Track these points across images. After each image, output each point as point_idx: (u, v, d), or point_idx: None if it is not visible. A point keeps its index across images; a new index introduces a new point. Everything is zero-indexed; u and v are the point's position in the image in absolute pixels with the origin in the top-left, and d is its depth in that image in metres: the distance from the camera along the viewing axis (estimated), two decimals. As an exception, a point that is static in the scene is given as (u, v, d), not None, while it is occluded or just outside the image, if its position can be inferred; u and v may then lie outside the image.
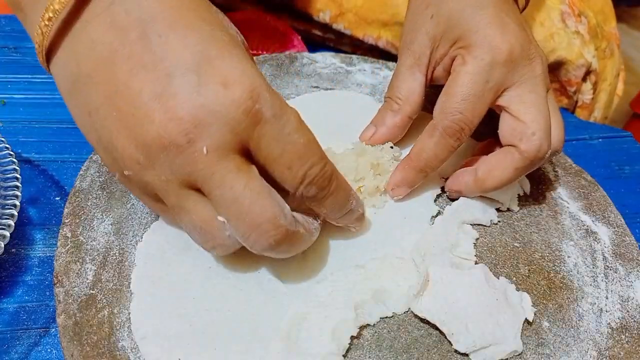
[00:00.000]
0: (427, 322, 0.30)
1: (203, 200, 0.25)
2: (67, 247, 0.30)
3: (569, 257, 0.35)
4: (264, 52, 0.51)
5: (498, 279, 0.32)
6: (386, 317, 0.30)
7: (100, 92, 0.25)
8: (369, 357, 0.28)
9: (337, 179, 0.28)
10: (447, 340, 0.29)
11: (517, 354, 0.29)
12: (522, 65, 0.33)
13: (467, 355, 0.29)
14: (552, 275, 0.34)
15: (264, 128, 0.24)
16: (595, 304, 0.33)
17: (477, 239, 0.34)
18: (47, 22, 0.25)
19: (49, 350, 0.29)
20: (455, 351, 0.29)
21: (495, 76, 0.33)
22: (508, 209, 0.37)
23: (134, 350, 0.27)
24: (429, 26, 0.36)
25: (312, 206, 0.28)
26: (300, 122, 0.26)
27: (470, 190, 0.35)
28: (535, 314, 0.31)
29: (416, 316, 0.30)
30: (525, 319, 0.30)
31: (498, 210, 0.37)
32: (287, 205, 0.26)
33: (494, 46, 0.33)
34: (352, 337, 0.28)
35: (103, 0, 0.25)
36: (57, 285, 0.29)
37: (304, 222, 0.28)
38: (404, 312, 0.30)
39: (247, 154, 0.25)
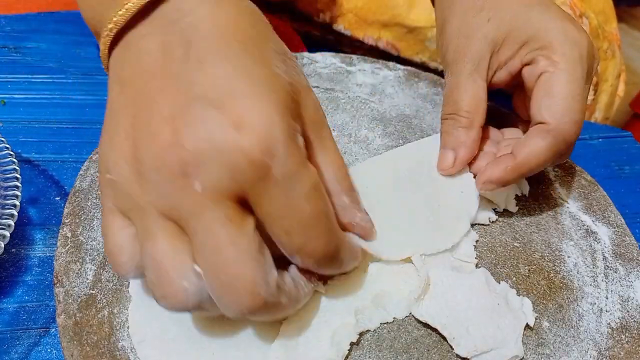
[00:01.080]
0: (428, 324, 0.30)
1: (179, 237, 0.23)
2: (67, 247, 0.30)
3: (569, 257, 0.35)
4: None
5: (499, 283, 0.32)
6: (386, 323, 0.30)
7: (129, 96, 0.24)
8: (369, 357, 0.28)
9: (344, 254, 0.25)
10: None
11: (519, 359, 0.29)
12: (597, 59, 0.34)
13: (468, 359, 0.29)
14: (552, 275, 0.34)
15: (269, 186, 0.22)
16: (595, 304, 0.33)
17: (477, 241, 0.34)
18: (108, 32, 0.25)
19: (49, 350, 0.29)
20: (457, 355, 0.29)
21: (586, 70, 0.33)
22: (505, 210, 0.37)
23: (133, 350, 0.27)
24: (486, 30, 0.35)
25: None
26: (316, 187, 0.23)
27: (510, 176, 0.33)
28: (535, 314, 0.31)
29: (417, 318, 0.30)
30: (526, 323, 0.30)
31: (495, 211, 0.37)
32: (274, 271, 0.23)
33: (576, 41, 0.33)
34: (352, 343, 0.28)
35: (165, 18, 0.24)
36: (57, 285, 0.29)
37: (290, 289, 0.25)
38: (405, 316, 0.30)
39: (246, 203, 0.23)
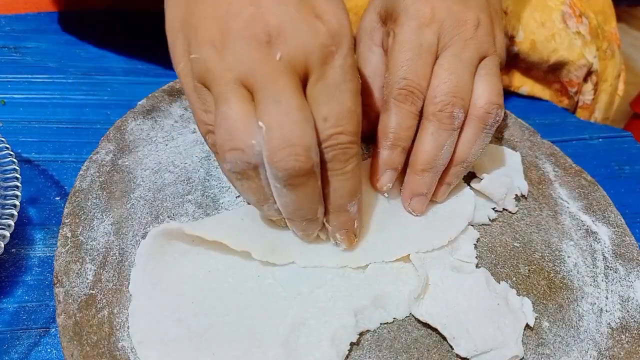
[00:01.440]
0: (428, 324, 0.30)
1: (248, 101, 0.26)
2: (67, 247, 0.30)
3: (569, 257, 0.35)
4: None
5: (499, 283, 0.32)
6: (386, 323, 0.30)
7: None
8: (369, 357, 0.28)
9: (354, 170, 0.28)
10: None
11: (519, 359, 0.29)
12: (451, 27, 0.33)
13: (467, 359, 0.29)
14: (552, 275, 0.34)
15: (328, 71, 0.26)
16: (595, 304, 0.33)
17: (477, 240, 0.34)
18: None
19: (49, 350, 0.29)
20: (457, 355, 0.29)
21: (426, 38, 0.33)
22: (505, 209, 0.37)
23: (133, 350, 0.27)
24: (377, 3, 0.37)
25: (323, 176, 0.28)
26: (358, 92, 0.27)
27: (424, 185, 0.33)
28: (535, 314, 0.31)
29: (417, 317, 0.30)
30: (527, 323, 0.30)
31: (495, 210, 0.36)
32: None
33: (417, 11, 0.33)
34: (352, 344, 0.28)
35: None
36: (57, 285, 0.29)
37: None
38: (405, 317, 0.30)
39: (305, 85, 0.27)
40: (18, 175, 0.31)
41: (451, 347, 0.29)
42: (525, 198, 0.38)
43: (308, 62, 0.26)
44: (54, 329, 0.30)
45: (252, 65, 0.25)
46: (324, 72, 0.26)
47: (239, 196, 0.34)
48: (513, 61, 0.53)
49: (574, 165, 0.42)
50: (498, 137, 0.43)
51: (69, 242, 0.31)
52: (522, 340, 0.30)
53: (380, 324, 0.30)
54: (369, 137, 0.36)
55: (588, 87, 0.55)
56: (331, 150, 0.27)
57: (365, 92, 0.36)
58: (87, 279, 0.29)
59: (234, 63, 0.25)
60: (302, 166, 0.25)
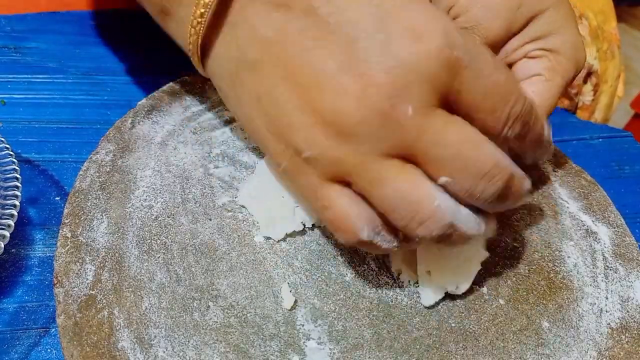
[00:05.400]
0: (427, 323, 0.30)
1: (407, 167, 0.23)
2: (67, 248, 0.30)
3: (568, 257, 0.35)
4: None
5: (499, 281, 0.32)
6: (383, 314, 0.30)
7: (272, 74, 0.24)
8: (369, 357, 0.28)
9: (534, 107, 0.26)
10: (447, 340, 0.29)
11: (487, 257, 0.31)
12: None
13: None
14: (552, 275, 0.34)
15: (464, 75, 0.23)
16: (595, 304, 0.33)
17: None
18: (199, 19, 0.25)
19: (49, 350, 0.29)
20: (456, 352, 0.29)
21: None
22: None
23: (133, 350, 0.27)
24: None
25: (514, 147, 0.27)
26: (494, 57, 0.24)
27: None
28: (535, 314, 0.31)
29: (416, 316, 0.30)
30: None
31: None
32: None
33: (578, 52, 0.32)
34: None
35: None
36: (57, 285, 0.29)
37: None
38: (404, 313, 0.30)
39: (448, 107, 0.24)
40: (18, 176, 0.31)
41: (451, 345, 0.29)
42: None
43: (441, 89, 0.23)
44: (54, 329, 0.30)
45: (390, 137, 0.23)
46: (461, 80, 0.23)
47: (237, 197, 0.34)
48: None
49: (574, 165, 0.42)
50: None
51: (69, 243, 0.31)
52: (521, 340, 0.30)
53: (379, 323, 0.30)
54: None
55: (588, 88, 0.55)
56: (515, 126, 0.25)
57: None
58: (87, 279, 0.29)
59: (370, 145, 0.23)
60: (503, 181, 0.24)
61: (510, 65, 0.34)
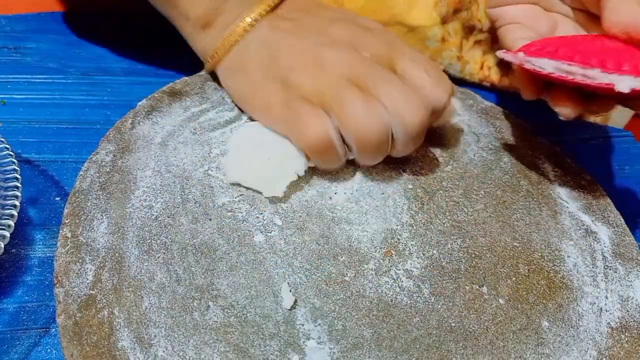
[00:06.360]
0: (427, 322, 0.30)
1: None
2: (67, 248, 0.30)
3: (568, 256, 0.35)
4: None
5: (498, 281, 0.32)
6: (383, 313, 0.30)
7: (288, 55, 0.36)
8: (369, 356, 0.28)
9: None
10: (447, 340, 0.29)
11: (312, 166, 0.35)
12: None
13: None
14: (551, 275, 0.34)
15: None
16: (595, 303, 0.33)
17: (475, 241, 0.34)
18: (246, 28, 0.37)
19: (49, 350, 0.29)
20: (455, 351, 0.29)
21: None
22: (504, 204, 0.37)
23: (133, 350, 0.27)
24: None
25: None
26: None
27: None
28: (535, 314, 0.31)
29: (416, 316, 0.30)
30: None
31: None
32: None
33: None
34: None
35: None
36: (57, 285, 0.29)
37: None
38: (404, 312, 0.30)
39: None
40: (18, 176, 0.32)
41: (451, 345, 0.29)
42: (528, 195, 0.38)
43: (382, 55, 0.35)
44: (54, 329, 0.30)
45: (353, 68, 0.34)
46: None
47: (237, 196, 0.34)
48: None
49: (573, 165, 0.42)
50: (497, 137, 0.43)
51: (69, 243, 0.31)
52: (521, 340, 0.30)
53: (380, 322, 0.30)
54: None
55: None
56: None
57: None
58: (87, 279, 0.29)
59: (339, 71, 0.34)
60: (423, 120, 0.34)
61: None
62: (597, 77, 0.30)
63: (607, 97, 0.33)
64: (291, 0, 0.39)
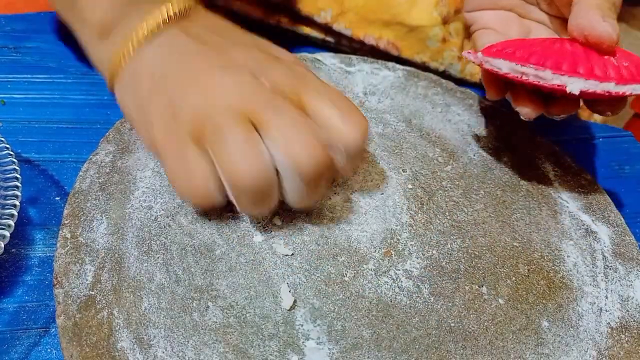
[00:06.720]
0: (427, 323, 0.30)
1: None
2: (67, 248, 0.30)
3: (568, 256, 0.35)
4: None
5: (498, 281, 0.32)
6: (382, 314, 0.30)
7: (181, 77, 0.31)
8: (368, 357, 0.28)
9: None
10: (447, 340, 0.29)
11: None
12: None
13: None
14: (551, 274, 0.34)
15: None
16: (595, 303, 0.33)
17: (475, 241, 0.34)
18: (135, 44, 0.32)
19: (49, 350, 0.29)
20: (455, 352, 0.29)
21: None
22: (504, 203, 0.37)
23: (133, 351, 0.27)
24: None
25: None
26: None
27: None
28: (534, 314, 0.31)
29: (415, 316, 0.30)
30: None
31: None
32: None
33: None
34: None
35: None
36: (57, 286, 0.29)
37: None
38: (403, 313, 0.30)
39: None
40: (18, 175, 0.31)
41: (451, 345, 0.29)
42: (528, 194, 0.38)
43: (286, 86, 0.30)
44: (54, 329, 0.30)
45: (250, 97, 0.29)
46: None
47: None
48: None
49: (574, 165, 0.42)
50: (497, 137, 0.43)
51: (69, 243, 0.31)
52: (520, 340, 0.30)
53: (379, 322, 0.30)
54: None
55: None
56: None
57: None
58: (87, 280, 0.29)
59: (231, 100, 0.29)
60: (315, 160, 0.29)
61: None
62: (549, 78, 0.31)
63: (568, 99, 0.34)
64: (204, 17, 0.35)
